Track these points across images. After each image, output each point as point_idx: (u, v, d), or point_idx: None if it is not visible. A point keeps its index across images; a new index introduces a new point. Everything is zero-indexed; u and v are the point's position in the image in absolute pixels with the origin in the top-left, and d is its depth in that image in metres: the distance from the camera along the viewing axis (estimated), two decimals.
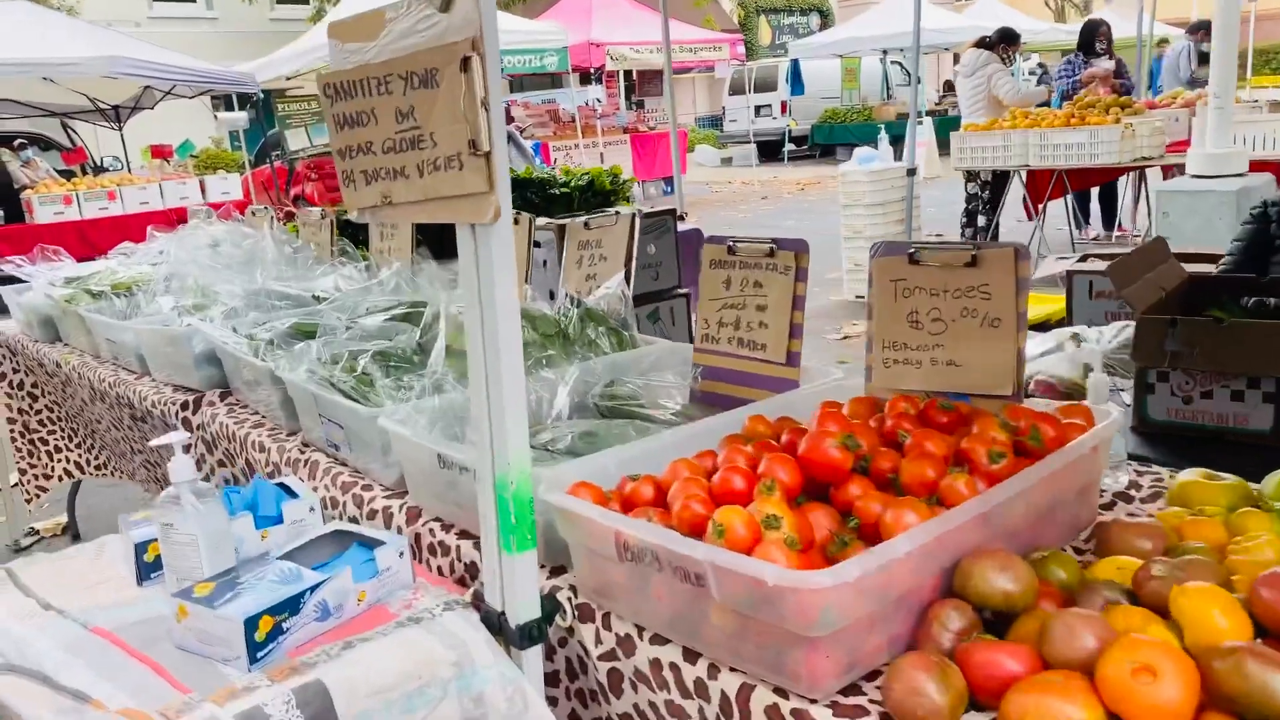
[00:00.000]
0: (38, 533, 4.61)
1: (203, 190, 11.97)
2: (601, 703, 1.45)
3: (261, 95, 12.39)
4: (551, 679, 1.55)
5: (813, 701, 1.15)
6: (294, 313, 2.61)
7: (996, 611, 1.19)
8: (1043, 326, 3.30)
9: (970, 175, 7.85)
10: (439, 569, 1.76)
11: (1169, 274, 3.06)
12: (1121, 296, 2.84)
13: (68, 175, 12.56)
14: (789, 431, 1.52)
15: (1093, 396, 1.67)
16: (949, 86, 22.86)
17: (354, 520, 1.96)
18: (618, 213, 2.64)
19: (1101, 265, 3.41)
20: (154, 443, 1.65)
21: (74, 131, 14.45)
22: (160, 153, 14.03)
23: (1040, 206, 7.99)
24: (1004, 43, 8.60)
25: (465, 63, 1.27)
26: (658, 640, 1.34)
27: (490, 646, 1.44)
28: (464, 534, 1.74)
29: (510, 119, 13.12)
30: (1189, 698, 0.99)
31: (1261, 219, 3.27)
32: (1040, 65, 19.77)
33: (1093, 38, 8.96)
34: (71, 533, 4.56)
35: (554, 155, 14.23)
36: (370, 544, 1.61)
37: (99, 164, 13.97)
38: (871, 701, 1.14)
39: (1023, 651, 1.10)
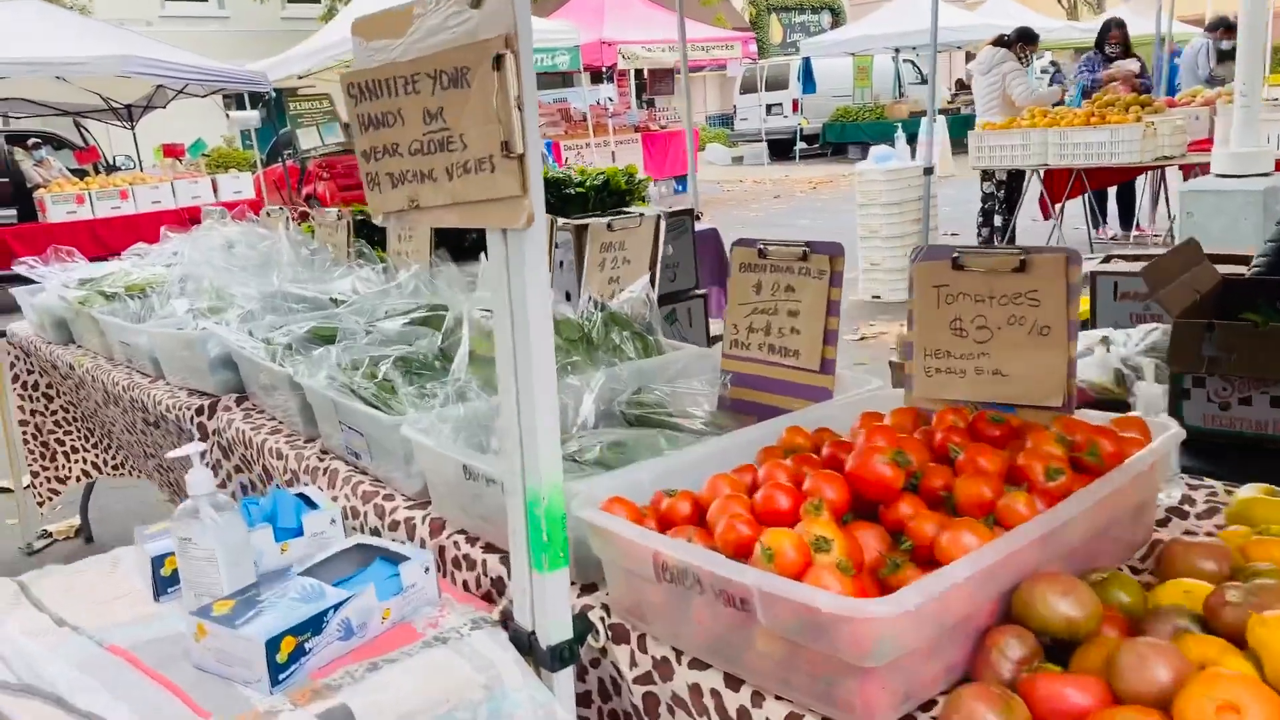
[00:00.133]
0: (50, 535, 4.57)
1: (215, 189, 11.98)
2: None
3: (274, 94, 12.38)
4: (583, 699, 1.49)
5: None
6: (311, 316, 2.56)
7: (1057, 639, 1.13)
8: None
9: (986, 174, 7.77)
10: (464, 583, 1.70)
11: (1202, 276, 2.99)
12: (1156, 300, 2.77)
13: (80, 174, 12.59)
14: (830, 445, 1.46)
15: (1143, 407, 1.60)
16: (961, 85, 22.74)
17: (375, 531, 1.91)
18: (642, 214, 2.58)
19: (1126, 266, 3.34)
20: (172, 454, 1.60)
21: (87, 130, 14.48)
22: (172, 152, 14.04)
23: (1058, 206, 7.91)
24: (1021, 42, 8.51)
25: (498, 61, 1.21)
26: (697, 665, 1.28)
27: (520, 668, 1.39)
28: (490, 547, 1.68)
29: None
30: None
31: None
32: (1053, 64, 19.61)
33: (1103, 38, 8.90)
34: (85, 535, 4.53)
35: (565, 154, 14.19)
36: (394, 559, 1.55)
37: (111, 163, 13.98)
38: None
39: (1091, 684, 1.04)
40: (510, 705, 1.36)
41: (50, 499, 4.21)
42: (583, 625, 1.41)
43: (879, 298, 7.60)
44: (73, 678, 1.41)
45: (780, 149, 22.24)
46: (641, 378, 2.08)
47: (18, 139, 12.72)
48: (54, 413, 4.08)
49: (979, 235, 8.05)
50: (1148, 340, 2.77)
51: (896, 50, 20.91)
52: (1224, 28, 9.43)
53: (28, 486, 4.28)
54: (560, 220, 3.51)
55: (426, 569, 1.54)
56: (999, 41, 8.52)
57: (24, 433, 4.15)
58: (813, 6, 29.52)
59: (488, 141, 1.26)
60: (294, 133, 13.00)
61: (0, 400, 4.26)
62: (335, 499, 1.99)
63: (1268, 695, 0.95)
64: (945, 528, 1.17)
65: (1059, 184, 7.70)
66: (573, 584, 1.47)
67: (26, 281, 3.94)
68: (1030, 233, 8.77)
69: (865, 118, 21.21)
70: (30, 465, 4.19)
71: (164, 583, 1.63)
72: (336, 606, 1.41)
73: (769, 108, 22.29)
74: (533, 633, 1.39)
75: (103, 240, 10.34)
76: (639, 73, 18.43)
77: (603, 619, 1.43)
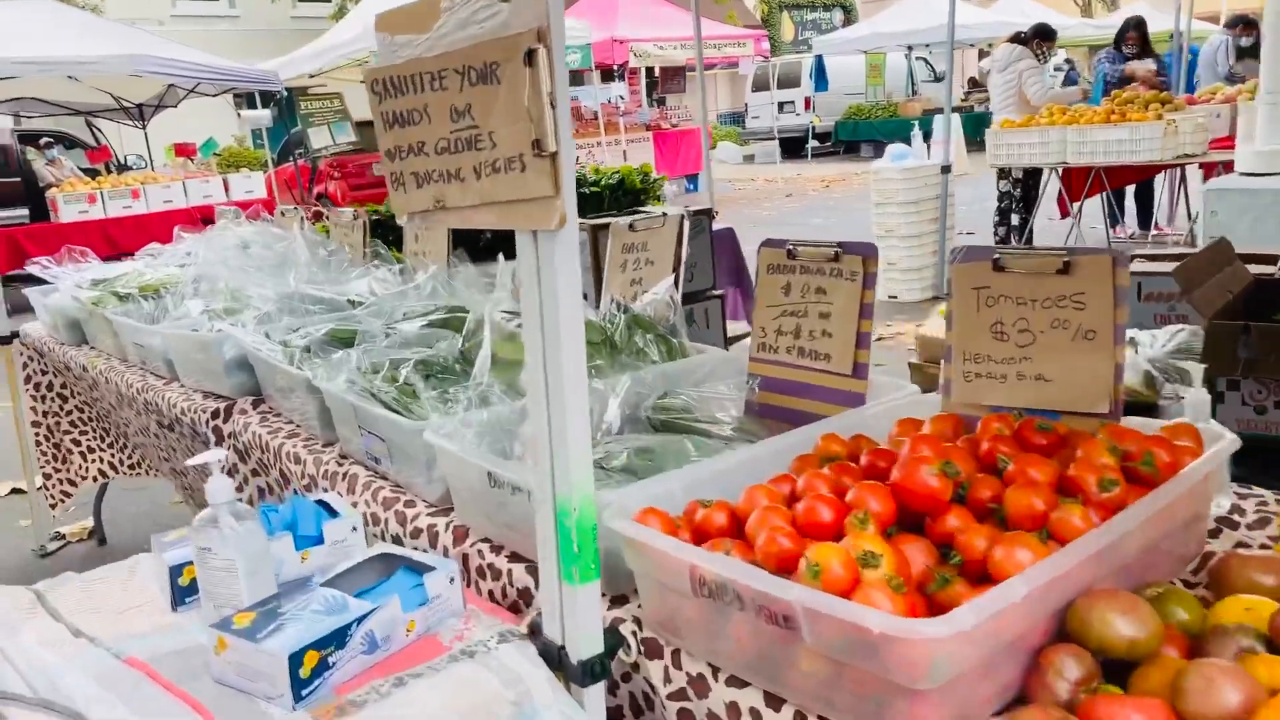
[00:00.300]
0: (63, 537, 4.55)
1: (226, 189, 11.97)
2: None
3: (285, 93, 12.36)
4: (613, 715, 1.44)
5: None
6: (329, 318, 2.52)
7: (1114, 659, 1.08)
8: None
9: (1003, 173, 7.69)
10: (489, 593, 1.66)
11: (1235, 277, 2.93)
12: (1189, 301, 2.72)
13: (92, 174, 12.60)
14: (869, 453, 1.41)
15: (1192, 413, 1.55)
16: (973, 83, 22.61)
17: (397, 539, 1.87)
18: (665, 214, 2.53)
19: (1151, 266, 3.28)
20: (190, 462, 1.56)
21: (98, 130, 14.51)
22: (183, 151, 14.06)
23: (1077, 205, 7.83)
24: (1038, 38, 8.42)
25: (530, 56, 1.16)
26: (735, 682, 1.23)
27: (550, 683, 1.34)
28: (515, 556, 1.64)
29: None
30: None
31: None
32: (1067, 61, 19.49)
33: (1121, 38, 8.82)
34: (98, 537, 4.50)
35: (576, 153, 14.12)
36: (418, 569, 1.51)
37: (123, 162, 14.00)
38: None
39: (1157, 708, 0.99)
40: None
41: (62, 500, 4.19)
42: (613, 639, 1.37)
43: (895, 298, 7.54)
44: (91, 691, 1.37)
45: (792, 147, 22.15)
46: (667, 382, 2.04)
47: (30, 138, 12.75)
48: (69, 413, 4.06)
49: (995, 235, 7.97)
50: (1175, 341, 2.72)
51: (909, 48, 20.79)
52: (1243, 24, 9.34)
53: (40, 488, 4.25)
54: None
55: (451, 579, 1.50)
56: (1016, 39, 8.44)
57: (36, 434, 4.13)
58: (824, 4, 29.40)
59: (518, 140, 1.22)
60: (305, 132, 12.97)
61: (14, 401, 4.23)
62: (355, 505, 1.96)
63: None
64: (998, 542, 1.12)
65: (1078, 182, 7.61)
66: (602, 595, 1.43)
67: (39, 282, 3.92)
68: (1047, 232, 8.69)
69: (878, 116, 21.12)
70: (42, 467, 4.17)
71: (182, 592, 1.59)
72: (361, 619, 1.37)
73: (781, 106, 22.20)
74: (563, 647, 1.35)
75: (114, 240, 10.36)
76: (650, 71, 18.35)
77: (634, 633, 1.39)
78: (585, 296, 2.87)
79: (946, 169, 7.14)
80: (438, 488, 1.84)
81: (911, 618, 1.04)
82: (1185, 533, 1.35)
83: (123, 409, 3.26)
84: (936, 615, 1.09)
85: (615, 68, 15.78)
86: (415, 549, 1.78)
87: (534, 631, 1.42)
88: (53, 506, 4.20)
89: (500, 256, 2.67)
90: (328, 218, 3.66)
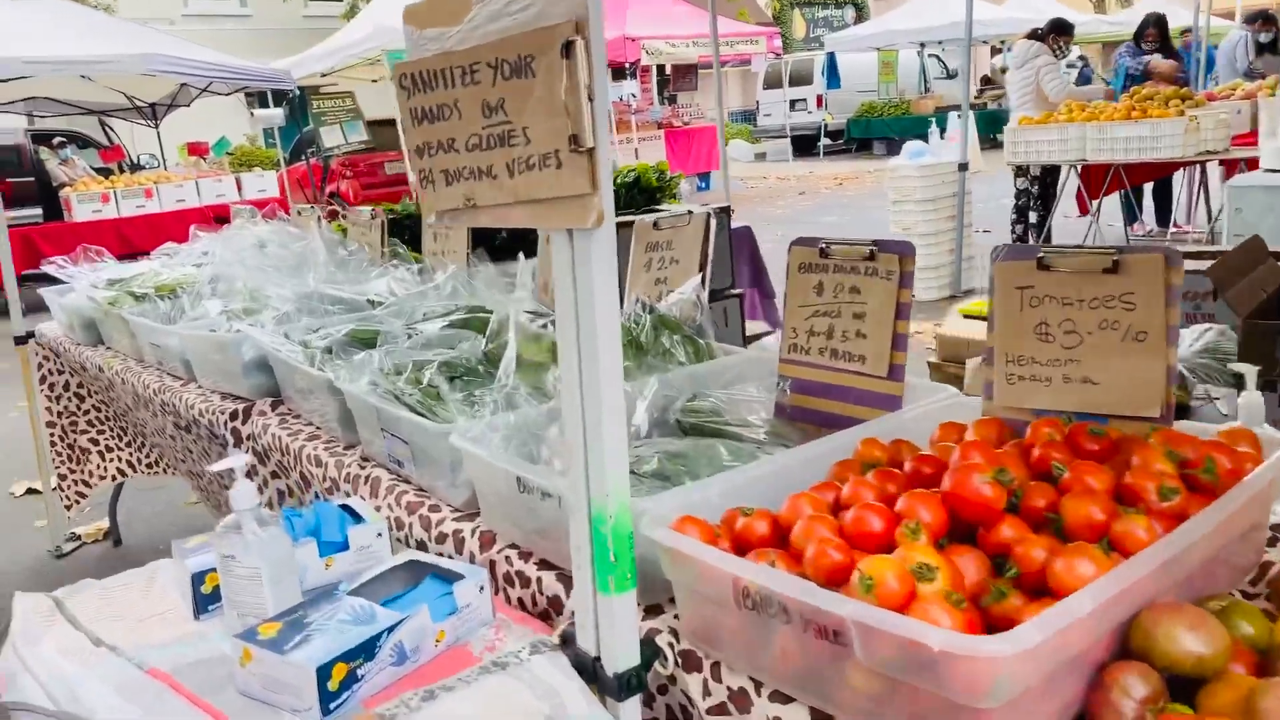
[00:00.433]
0: (79, 538, 4.53)
1: (239, 188, 11.97)
2: None
3: (297, 92, 12.35)
4: None
5: None
6: (348, 318, 2.49)
7: (1180, 676, 1.04)
8: None
9: (1020, 170, 7.61)
10: (519, 601, 1.62)
11: (1269, 275, 2.87)
12: (1224, 300, 2.66)
13: (105, 173, 12.62)
14: (914, 459, 1.36)
15: (1245, 416, 1.50)
16: (986, 80, 22.49)
17: (421, 544, 1.83)
18: (690, 211, 2.49)
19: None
20: (213, 468, 1.52)
21: (111, 129, 14.52)
22: (196, 150, 14.06)
23: (1096, 202, 7.75)
24: (1055, 33, 8.34)
25: (567, 48, 1.12)
26: (779, 698, 1.19)
27: (585, 696, 1.30)
28: (545, 564, 1.60)
29: None
30: None
31: None
32: (1081, 58, 19.37)
33: (1140, 35, 8.75)
34: (113, 538, 4.48)
35: None
36: (447, 577, 1.47)
37: (136, 162, 14.02)
38: None
39: None
40: None
41: (78, 501, 4.17)
42: (650, 651, 1.32)
43: (914, 296, 7.47)
44: (112, 703, 1.34)
45: (804, 145, 22.08)
46: (695, 383, 1.99)
47: (43, 138, 12.77)
48: (86, 412, 4.03)
49: (1013, 232, 7.90)
50: (1202, 341, 2.66)
51: (922, 45, 20.68)
52: (1262, 20, 9.25)
53: (55, 489, 4.23)
54: None
55: (481, 588, 1.46)
56: (1033, 35, 8.35)
57: (50, 434, 4.10)
58: (836, 1, 29.30)
59: (554, 135, 1.17)
60: (317, 131, 12.95)
61: (29, 401, 4.21)
62: (379, 509, 1.92)
63: None
64: (1058, 554, 1.07)
65: (1096, 180, 7.54)
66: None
67: (54, 281, 3.89)
68: (1064, 229, 8.61)
69: (890, 113, 21.02)
70: (57, 467, 4.15)
71: (204, 600, 1.56)
72: (390, 630, 1.33)
73: (793, 103, 22.14)
74: (597, 658, 1.31)
75: (128, 239, 10.36)
76: (661, 68, 18.29)
77: (671, 644, 1.35)
78: None
79: (964, 166, 7.07)
80: (463, 492, 1.80)
81: (970, 634, 0.99)
82: (1244, 542, 1.30)
83: (139, 409, 3.23)
84: (992, 629, 1.04)
85: (627, 66, 15.74)
86: (440, 555, 1.74)
87: (566, 642, 1.38)
88: (68, 507, 4.18)
89: (520, 255, 2.63)
90: (344, 217, 3.62)
